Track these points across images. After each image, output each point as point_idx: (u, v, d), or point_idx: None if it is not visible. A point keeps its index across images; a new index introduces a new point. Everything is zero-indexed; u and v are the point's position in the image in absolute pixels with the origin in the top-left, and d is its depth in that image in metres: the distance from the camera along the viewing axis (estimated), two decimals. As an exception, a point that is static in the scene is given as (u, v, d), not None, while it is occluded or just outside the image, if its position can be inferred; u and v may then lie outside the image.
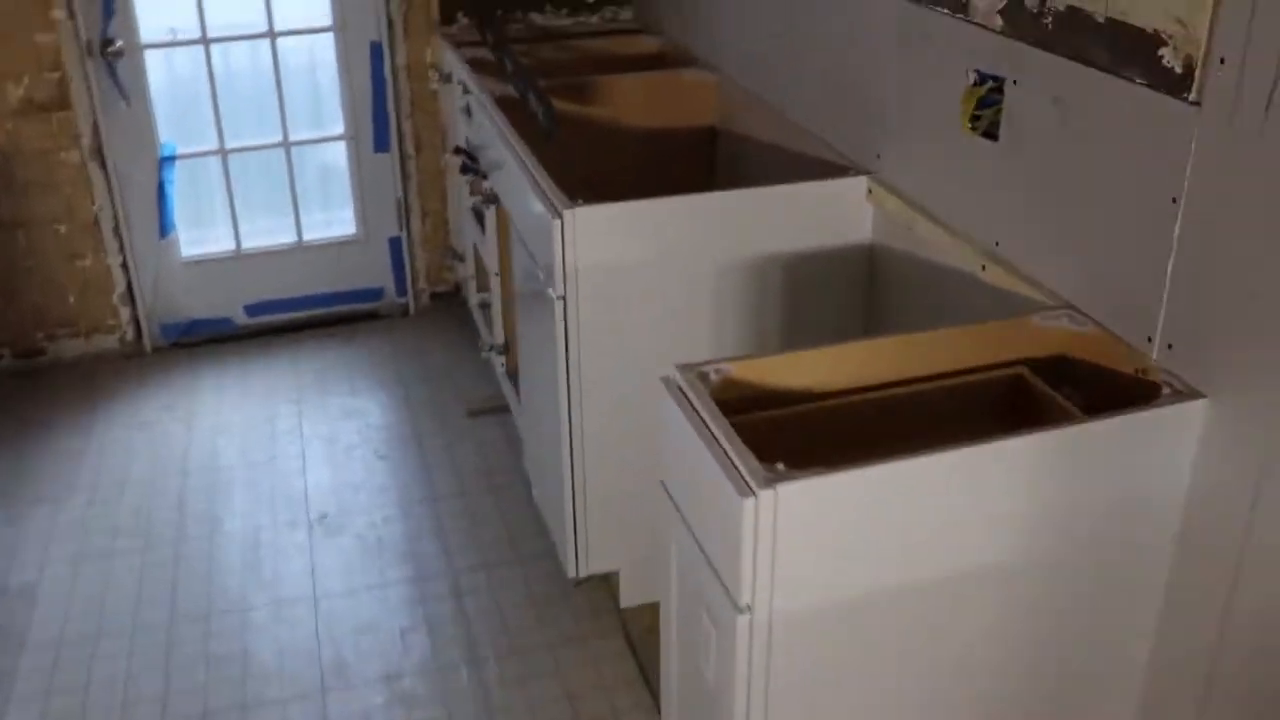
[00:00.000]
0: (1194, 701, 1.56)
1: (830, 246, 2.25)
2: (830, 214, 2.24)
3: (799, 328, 2.31)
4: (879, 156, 2.19)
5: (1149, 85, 1.48)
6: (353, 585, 2.59)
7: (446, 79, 3.41)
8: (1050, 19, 1.66)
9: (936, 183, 2.01)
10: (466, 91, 3.18)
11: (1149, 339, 1.55)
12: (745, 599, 1.37)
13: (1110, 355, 1.62)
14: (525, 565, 2.63)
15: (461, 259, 3.63)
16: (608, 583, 2.52)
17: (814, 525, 1.35)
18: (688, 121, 3.00)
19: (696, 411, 1.46)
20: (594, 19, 3.52)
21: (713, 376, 1.53)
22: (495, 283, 2.99)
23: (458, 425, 3.18)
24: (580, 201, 2.08)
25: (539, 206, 2.15)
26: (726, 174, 2.94)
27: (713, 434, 1.41)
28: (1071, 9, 1.61)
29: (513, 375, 3.06)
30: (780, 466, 1.33)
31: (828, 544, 1.37)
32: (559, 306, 2.13)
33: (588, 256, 2.10)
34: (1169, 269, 1.49)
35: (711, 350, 2.24)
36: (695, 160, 3.03)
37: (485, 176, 2.82)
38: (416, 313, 3.75)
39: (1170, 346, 1.52)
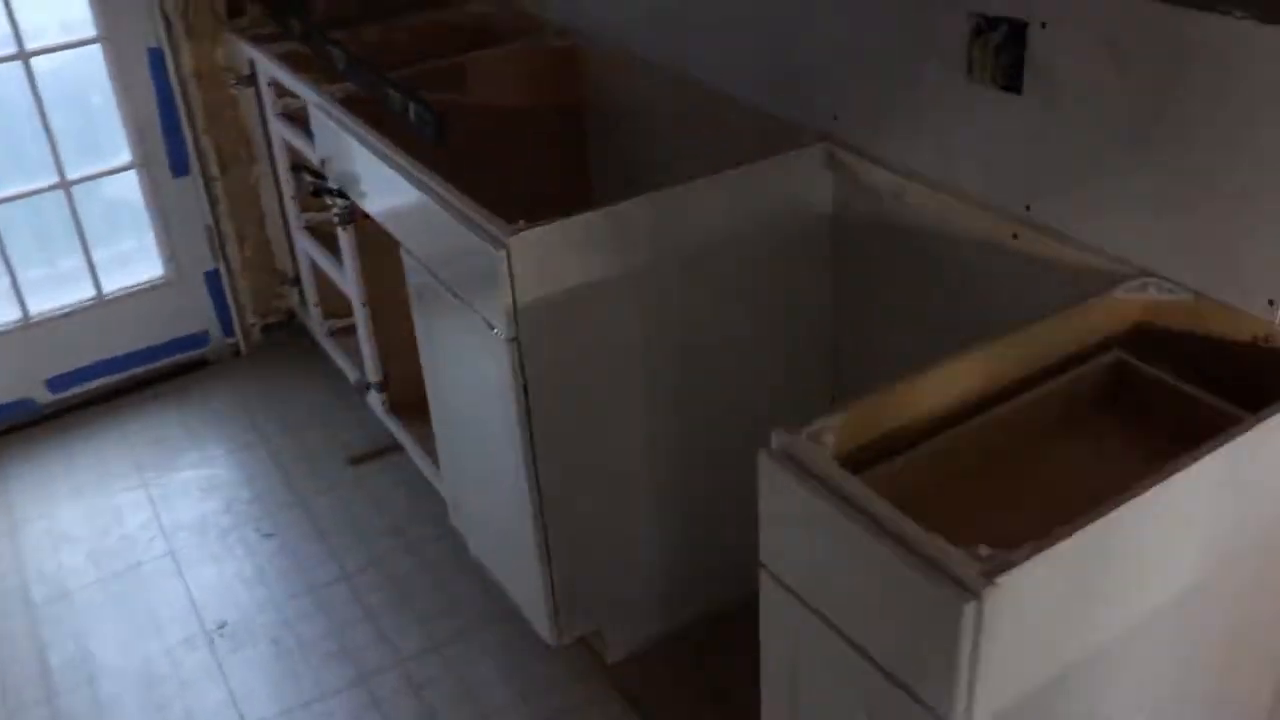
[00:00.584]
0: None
1: (791, 226, 2.00)
2: (788, 190, 1.98)
3: (769, 323, 2.05)
4: (836, 118, 1.94)
5: (1254, 18, 1.28)
6: (287, 706, 2.18)
7: (247, 81, 2.92)
8: (1092, -51, 1.44)
9: (931, 144, 1.77)
10: (283, 94, 2.72)
11: (1270, 302, 1.38)
12: (960, 708, 1.11)
13: (1215, 324, 1.44)
14: (481, 635, 2.29)
15: (295, 282, 3.17)
16: (583, 639, 2.21)
17: (1029, 609, 1.10)
18: (552, 99, 2.66)
19: (836, 492, 1.18)
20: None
21: (826, 437, 1.25)
22: (363, 312, 2.58)
23: (341, 478, 2.77)
24: (523, 224, 1.74)
25: (468, 238, 1.79)
26: (615, 157, 2.62)
27: (877, 521, 1.14)
28: (1125, -64, 1.40)
29: (399, 412, 2.68)
30: (983, 550, 1.08)
31: (1040, 623, 1.14)
32: (509, 350, 1.80)
33: (538, 286, 1.77)
34: (1301, 221, 1.31)
35: (682, 368, 1.97)
36: (568, 143, 2.71)
37: (342, 194, 2.40)
38: (250, 351, 3.27)
39: (1302, 309, 1.35)
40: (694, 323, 1.96)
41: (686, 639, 2.21)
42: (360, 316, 2.60)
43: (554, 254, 1.76)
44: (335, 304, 2.99)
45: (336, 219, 2.46)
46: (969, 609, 1.05)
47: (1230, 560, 1.31)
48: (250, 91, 2.93)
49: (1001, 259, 1.70)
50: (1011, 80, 1.60)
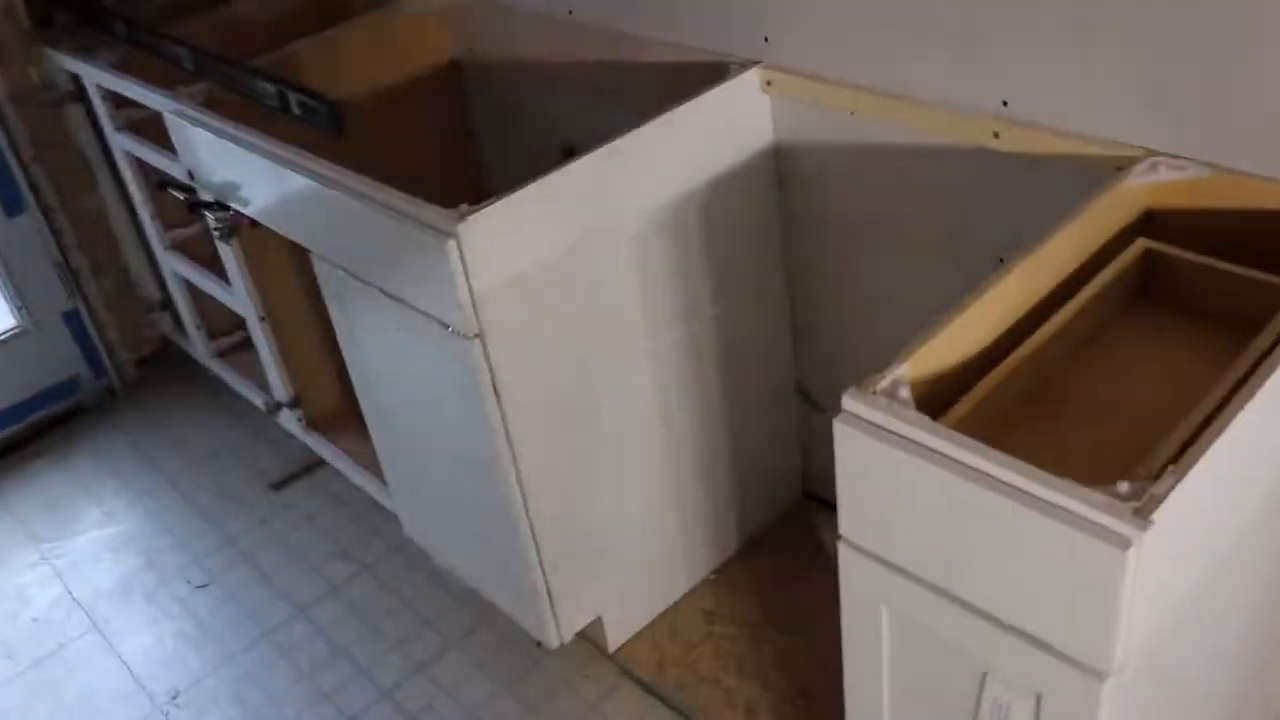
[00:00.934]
0: None
1: (736, 162, 1.87)
2: (727, 124, 1.84)
3: (729, 271, 1.93)
4: (767, 39, 1.81)
5: None
6: (276, 766, 2.00)
7: (73, 97, 2.61)
8: None
9: (885, 52, 1.66)
10: (121, 106, 2.44)
11: (1294, 164, 1.32)
12: (1117, 660, 1.03)
13: (1236, 197, 1.38)
14: (466, 649, 2.13)
15: (165, 307, 2.89)
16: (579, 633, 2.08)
17: (1174, 537, 1.02)
18: (423, 66, 2.45)
19: (938, 450, 1.07)
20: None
21: (902, 393, 1.13)
22: (262, 328, 2.35)
23: (268, 508, 2.55)
24: (465, 208, 1.56)
25: (406, 233, 1.60)
26: (514, 124, 2.43)
27: (993, 475, 1.03)
28: None
29: (319, 427, 2.47)
30: (1123, 487, 0.98)
31: (1182, 547, 1.05)
32: (473, 348, 1.62)
33: (494, 274, 1.60)
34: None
35: (651, 338, 1.83)
36: (451, 117, 2.51)
37: (222, 205, 2.16)
38: (127, 390, 2.97)
39: (1335, 166, 1.29)
40: (652, 283, 1.82)
41: (681, 610, 2.10)
42: (260, 333, 2.37)
43: (505, 235, 1.59)
44: (218, 323, 2.74)
45: (217, 233, 2.22)
46: (1129, 555, 0.95)
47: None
48: (79, 109, 2.62)
49: (982, 162, 1.61)
50: (975, -29, 1.49)
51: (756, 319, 2.02)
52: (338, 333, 1.99)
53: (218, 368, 2.77)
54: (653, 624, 2.09)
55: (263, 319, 2.33)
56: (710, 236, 1.87)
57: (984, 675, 1.16)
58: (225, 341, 2.77)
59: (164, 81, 2.21)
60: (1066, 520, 0.98)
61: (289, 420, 2.49)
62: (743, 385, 2.04)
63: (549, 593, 1.89)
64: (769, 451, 2.18)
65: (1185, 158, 1.40)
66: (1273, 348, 1.16)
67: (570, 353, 1.74)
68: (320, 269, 1.91)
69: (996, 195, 1.63)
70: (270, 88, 1.95)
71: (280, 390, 2.44)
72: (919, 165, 1.70)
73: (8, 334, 2.78)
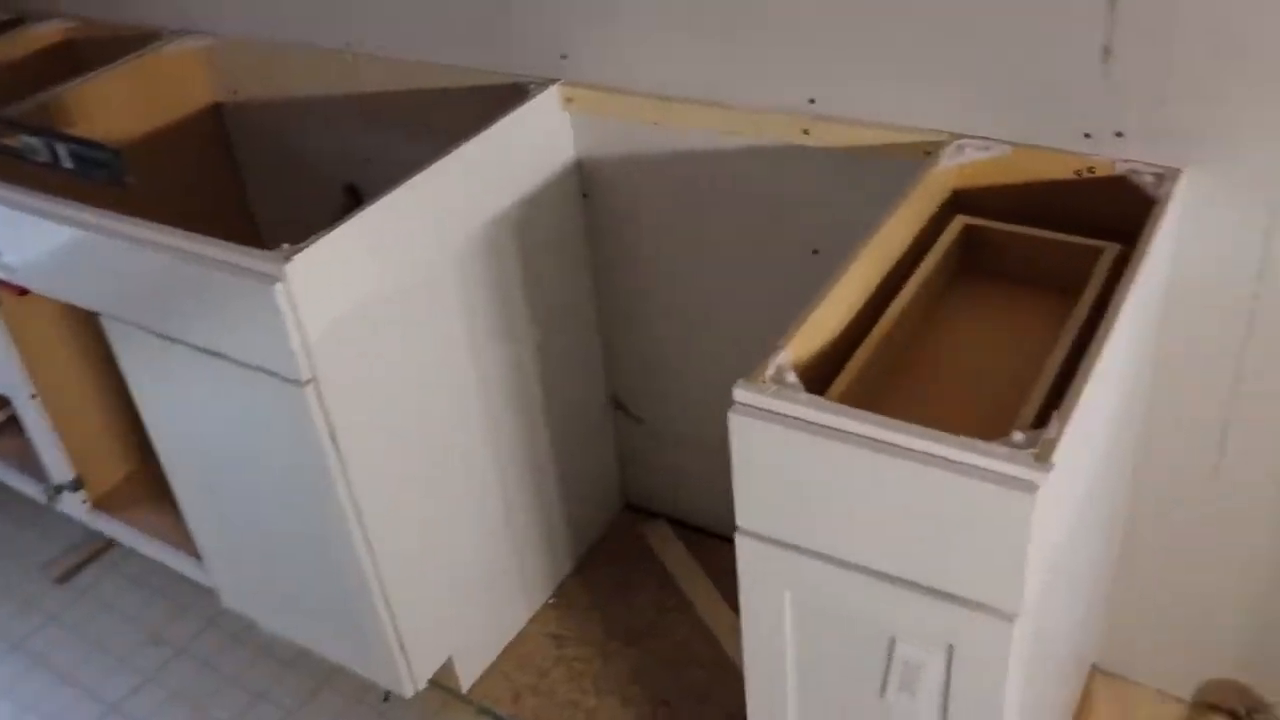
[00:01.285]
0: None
1: (541, 180, 1.86)
2: (530, 143, 1.84)
3: (542, 289, 1.92)
4: (564, 57, 1.82)
5: None
6: None
7: None
8: None
9: (683, 61, 1.70)
10: None
11: (1085, 135, 1.44)
12: (1026, 601, 1.08)
13: (1036, 170, 1.49)
14: (309, 715, 2.02)
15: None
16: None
17: (1060, 478, 1.08)
18: (183, 110, 2.32)
19: (832, 426, 1.10)
20: (-70, 23, 2.57)
21: (789, 378, 1.16)
22: (34, 406, 2.16)
23: (53, 602, 2.33)
24: (287, 248, 1.48)
25: (222, 280, 1.51)
26: (273, 158, 2.33)
27: (891, 440, 1.07)
28: None
29: (106, 506, 2.28)
30: (1018, 436, 1.04)
31: (1067, 484, 1.13)
32: (307, 395, 1.55)
33: (323, 316, 1.53)
34: (1104, 47, 1.36)
35: (476, 365, 1.80)
36: (214, 156, 2.38)
37: (-21, 273, 1.96)
38: None
39: (1120, 135, 1.41)
40: (476, 307, 1.79)
41: (528, 637, 2.07)
42: (32, 412, 2.17)
43: (330, 274, 1.52)
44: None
45: (-29, 303, 2.02)
46: (1036, 499, 1.01)
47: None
48: None
49: (793, 158, 1.67)
50: (774, -25, 1.56)
51: (569, 333, 2.02)
52: (137, 399, 1.85)
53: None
54: (502, 656, 2.05)
55: (34, 396, 2.14)
56: (524, 256, 1.86)
57: (892, 640, 1.20)
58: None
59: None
60: (972, 474, 1.03)
61: (72, 504, 2.28)
62: (562, 401, 2.03)
63: (399, 640, 1.81)
64: (590, 466, 2.19)
65: (987, 138, 1.50)
66: (1100, 301, 1.27)
67: (402, 388, 1.68)
68: (114, 332, 1.77)
69: (808, 189, 1.69)
70: (35, 140, 1.80)
71: (60, 472, 2.24)
72: (729, 167, 1.75)
73: None
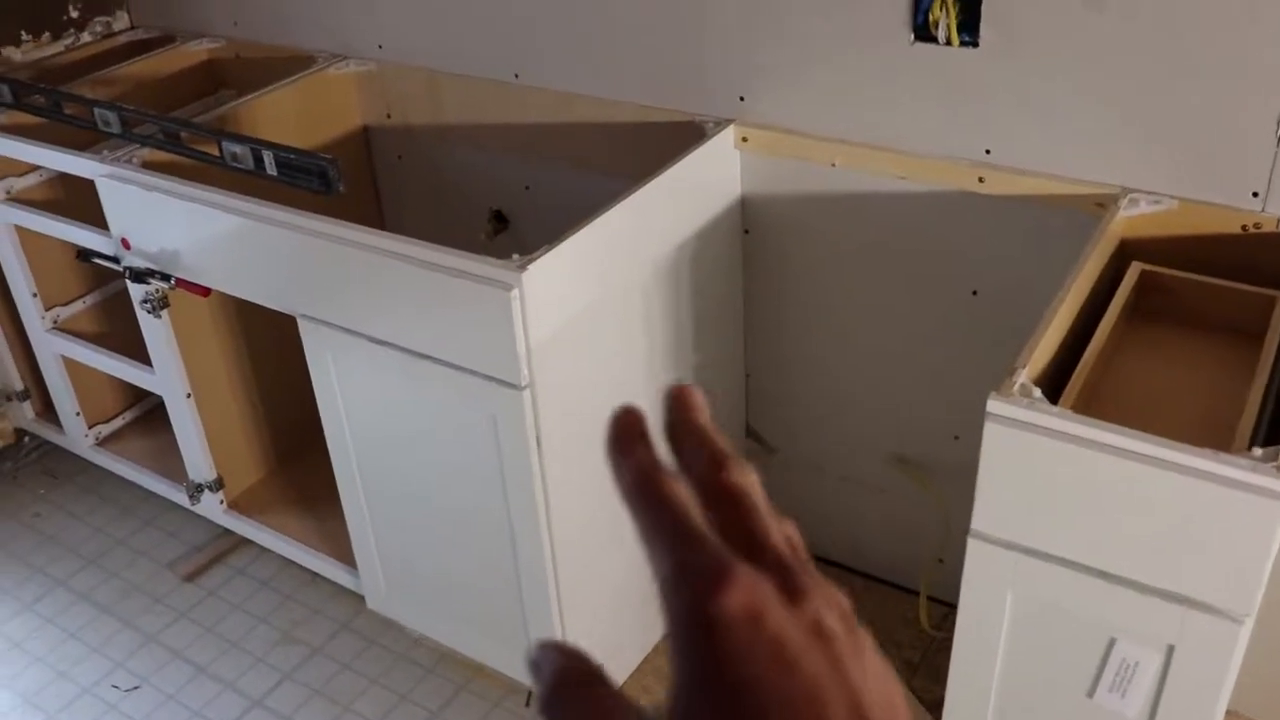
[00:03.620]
0: None
1: (711, 213, 1.99)
2: (704, 178, 1.96)
3: (703, 318, 2.04)
4: (743, 99, 1.95)
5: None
6: None
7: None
8: (1053, -96, 1.56)
9: (868, 105, 1.83)
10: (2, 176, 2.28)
11: (1254, 194, 1.58)
12: (1251, 606, 1.20)
13: (1203, 224, 1.63)
14: (455, 715, 2.09)
15: (24, 396, 2.67)
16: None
17: (1291, 496, 1.20)
18: (335, 130, 2.44)
19: (1082, 437, 1.22)
20: (85, 36, 2.68)
21: (1035, 392, 1.28)
22: (187, 406, 2.24)
23: (182, 599, 2.39)
24: (518, 258, 1.60)
25: (454, 287, 1.62)
26: (417, 181, 2.44)
27: (1137, 450, 1.19)
28: (1091, -112, 1.53)
29: (242, 509, 2.37)
30: (1257, 450, 1.17)
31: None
32: (523, 399, 1.65)
33: (545, 324, 1.64)
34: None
35: (649, 385, 1.91)
36: (357, 177, 2.49)
37: (164, 277, 2.06)
38: (-21, 488, 2.72)
39: (1292, 193, 1.56)
40: (654, 331, 1.90)
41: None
42: (183, 412, 2.25)
43: (552, 286, 1.64)
44: (93, 409, 2.58)
45: (146, 306, 2.11)
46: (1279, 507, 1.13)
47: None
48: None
49: (963, 205, 1.81)
50: (967, 35, 1.70)
51: (719, 361, 2.14)
52: (322, 401, 1.94)
53: (97, 457, 2.59)
54: (641, 667, 2.12)
55: (189, 396, 2.22)
56: (692, 285, 1.97)
57: (1112, 640, 1.31)
58: (104, 429, 2.60)
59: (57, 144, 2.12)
60: (1221, 483, 1.15)
61: (210, 504, 2.36)
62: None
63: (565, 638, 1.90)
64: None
65: (1157, 193, 1.64)
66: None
67: (594, 398, 1.79)
68: (311, 335, 1.87)
69: (975, 234, 1.82)
70: (239, 147, 1.90)
71: (202, 472, 2.32)
72: (895, 210, 1.88)
73: None
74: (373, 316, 1.77)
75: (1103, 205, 1.67)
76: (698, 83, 1.97)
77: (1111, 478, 1.21)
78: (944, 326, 1.93)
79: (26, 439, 2.78)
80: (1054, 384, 1.37)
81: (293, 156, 1.85)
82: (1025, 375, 1.30)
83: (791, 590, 0.36)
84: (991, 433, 1.26)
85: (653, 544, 0.38)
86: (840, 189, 1.92)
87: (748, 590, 0.35)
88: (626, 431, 0.41)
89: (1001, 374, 1.31)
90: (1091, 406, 1.42)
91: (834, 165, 1.90)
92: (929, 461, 2.05)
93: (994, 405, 1.26)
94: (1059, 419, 1.23)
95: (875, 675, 0.36)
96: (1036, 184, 1.73)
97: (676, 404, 0.42)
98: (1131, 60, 1.58)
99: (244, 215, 1.85)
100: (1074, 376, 1.39)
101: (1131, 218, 1.65)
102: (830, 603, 0.37)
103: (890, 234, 1.91)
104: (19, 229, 2.33)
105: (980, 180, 1.77)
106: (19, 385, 2.66)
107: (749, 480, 0.40)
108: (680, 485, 0.39)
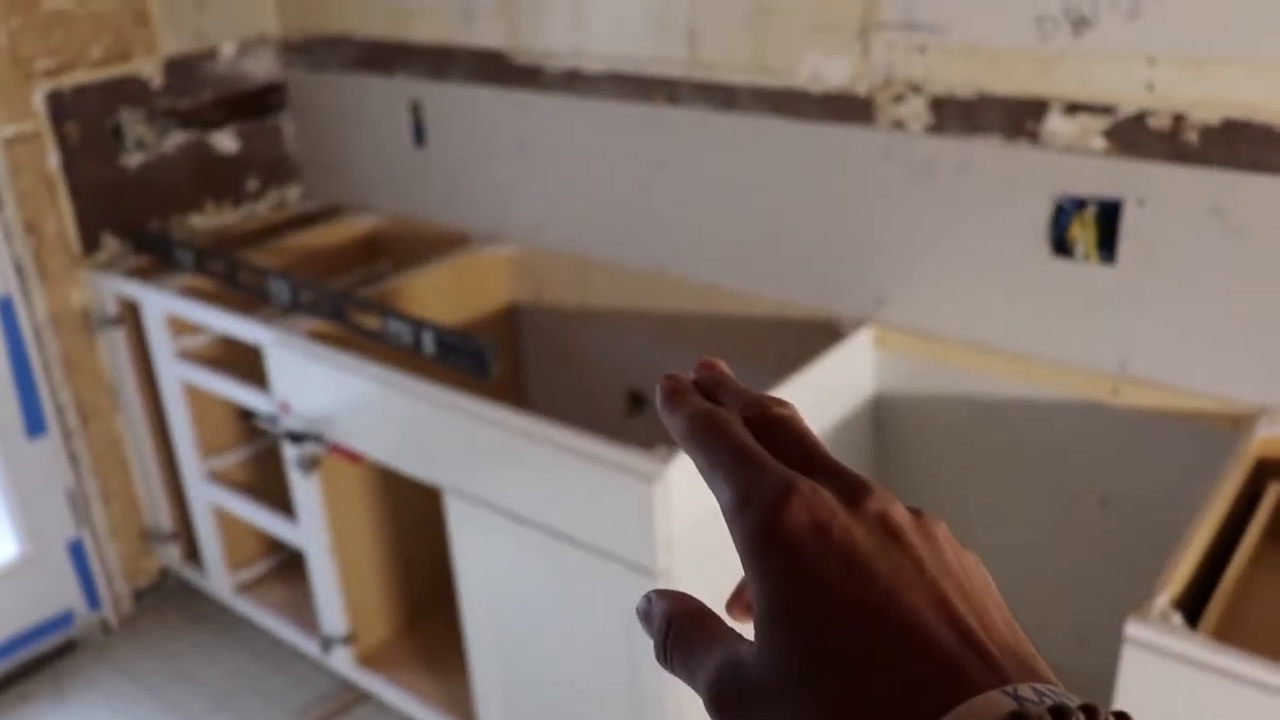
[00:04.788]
0: None
1: (844, 411, 2.04)
2: (838, 377, 2.02)
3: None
4: (880, 302, 2.02)
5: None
6: None
7: (114, 322, 2.60)
8: (1194, 133, 1.62)
9: (999, 317, 1.89)
10: (180, 333, 2.46)
11: (1399, 422, 1.58)
12: None
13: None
14: None
15: (173, 538, 2.81)
16: None
17: None
18: (486, 307, 2.58)
19: (1219, 666, 1.22)
20: (259, 207, 2.90)
21: (1175, 618, 1.29)
22: (328, 562, 2.34)
23: (304, 749, 2.46)
24: (664, 450, 1.67)
25: (599, 476, 1.69)
26: (560, 361, 2.56)
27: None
28: (1232, 123, 1.59)
29: (371, 664, 2.43)
30: None
31: None
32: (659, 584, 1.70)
33: (682, 515, 1.70)
34: None
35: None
36: (504, 353, 2.62)
37: (317, 438, 2.18)
38: (122, 624, 2.84)
39: None
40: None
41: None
42: (323, 569, 2.35)
43: (694, 476, 1.70)
44: (236, 556, 2.70)
45: (298, 465, 2.23)
46: None
47: None
48: (118, 334, 2.61)
49: (1096, 415, 1.83)
50: (1105, 253, 1.75)
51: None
52: (460, 571, 2.01)
53: (239, 603, 2.70)
54: None
55: (331, 552, 2.32)
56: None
57: None
58: (246, 575, 2.71)
59: (228, 308, 2.28)
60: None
61: (341, 657, 2.43)
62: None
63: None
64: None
65: (1303, 414, 1.65)
66: None
67: (715, 592, 1.82)
68: (455, 507, 1.96)
69: (1106, 444, 1.84)
70: (402, 325, 2.04)
71: (335, 625, 2.40)
72: (1029, 416, 1.91)
73: (6, 567, 2.64)
74: (515, 494, 1.85)
75: (1240, 423, 1.68)
76: (836, 282, 2.05)
77: (1254, 710, 1.20)
78: (1070, 533, 1.94)
79: (170, 579, 2.91)
80: (1192, 606, 1.37)
81: (451, 338, 1.97)
82: (1166, 600, 1.31)
83: (852, 495, 0.36)
84: (1130, 657, 1.26)
85: (714, 477, 0.38)
86: (974, 392, 1.96)
87: (809, 501, 0.35)
88: (676, 387, 0.42)
89: (1131, 587, 1.32)
90: (1230, 633, 1.41)
91: (968, 370, 1.94)
92: (1051, 666, 2.02)
93: (1133, 629, 1.27)
94: (1201, 648, 1.23)
95: (954, 563, 0.36)
96: (1172, 399, 1.75)
97: (707, 367, 0.44)
98: (1270, 281, 1.61)
99: (399, 390, 1.96)
100: (1213, 601, 1.39)
101: (1270, 437, 1.65)
102: (891, 499, 0.37)
103: (1021, 438, 1.94)
104: (186, 384, 2.49)
105: (1114, 392, 1.80)
106: (168, 527, 2.80)
107: (791, 409, 0.42)
108: (734, 419, 0.40)
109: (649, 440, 2.11)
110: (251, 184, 2.87)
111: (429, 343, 2.01)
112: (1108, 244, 1.74)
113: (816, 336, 2.04)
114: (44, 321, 2.57)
